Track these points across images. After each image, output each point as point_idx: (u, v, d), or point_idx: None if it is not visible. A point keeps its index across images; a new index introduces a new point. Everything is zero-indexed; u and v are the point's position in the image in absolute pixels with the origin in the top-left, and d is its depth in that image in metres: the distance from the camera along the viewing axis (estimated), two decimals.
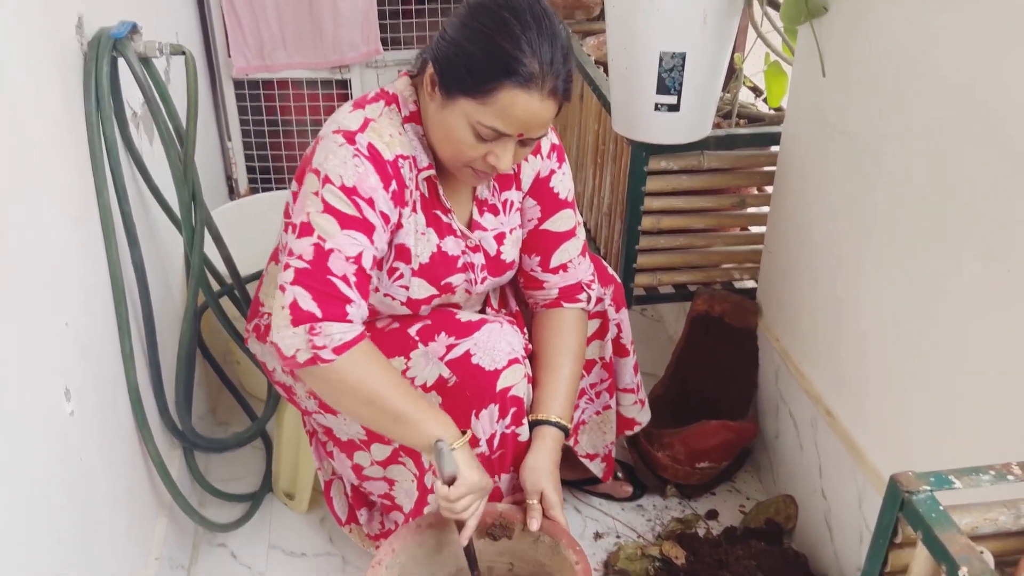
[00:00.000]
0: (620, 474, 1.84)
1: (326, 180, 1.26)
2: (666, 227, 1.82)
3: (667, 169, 1.76)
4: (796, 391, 1.67)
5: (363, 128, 1.29)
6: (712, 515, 1.79)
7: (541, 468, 1.41)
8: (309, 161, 1.33)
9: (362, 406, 1.28)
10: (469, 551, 1.34)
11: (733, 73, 1.84)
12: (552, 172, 1.47)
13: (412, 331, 1.41)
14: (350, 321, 1.24)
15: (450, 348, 1.36)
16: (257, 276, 1.80)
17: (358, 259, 1.25)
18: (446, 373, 1.36)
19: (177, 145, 1.53)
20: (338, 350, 1.23)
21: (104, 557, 1.28)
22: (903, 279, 1.33)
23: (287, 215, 1.43)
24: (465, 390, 1.36)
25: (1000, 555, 0.90)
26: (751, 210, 1.88)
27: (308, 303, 1.22)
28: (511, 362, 1.38)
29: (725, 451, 1.76)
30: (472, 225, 1.43)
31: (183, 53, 1.51)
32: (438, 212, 1.39)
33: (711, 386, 1.87)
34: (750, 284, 1.91)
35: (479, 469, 1.31)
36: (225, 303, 1.81)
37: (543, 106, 1.24)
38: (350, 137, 1.28)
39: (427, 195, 1.37)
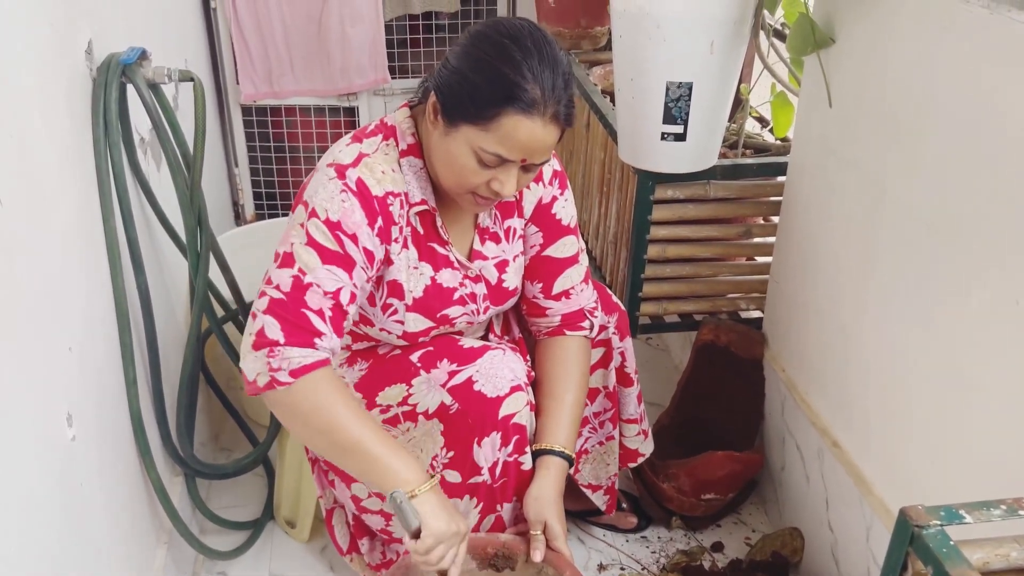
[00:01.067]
0: (625, 505, 1.83)
1: (312, 213, 1.26)
2: (672, 256, 1.82)
3: (673, 198, 1.76)
4: (802, 422, 1.66)
5: (356, 163, 1.30)
6: (717, 547, 1.77)
7: (545, 498, 1.39)
8: (301, 193, 1.33)
9: (318, 435, 1.26)
10: None
11: (739, 103, 1.85)
12: (554, 199, 1.47)
13: (414, 357, 1.40)
14: (317, 347, 1.23)
15: (452, 375, 1.36)
16: None
17: (336, 295, 1.25)
18: (448, 400, 1.35)
19: (184, 171, 1.53)
20: (295, 373, 1.21)
21: None
22: (909, 310, 1.33)
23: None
24: (467, 417, 1.35)
25: None
26: (757, 240, 1.87)
27: (275, 332, 1.21)
28: (513, 389, 1.37)
29: (731, 483, 1.75)
30: (472, 255, 1.43)
31: (192, 79, 1.52)
32: (434, 245, 1.38)
33: (717, 416, 1.85)
34: (756, 314, 1.90)
35: (448, 514, 1.25)
36: (229, 329, 1.80)
37: (545, 132, 1.24)
38: (341, 172, 1.28)
39: (420, 230, 1.37)
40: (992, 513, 0.91)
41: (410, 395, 1.38)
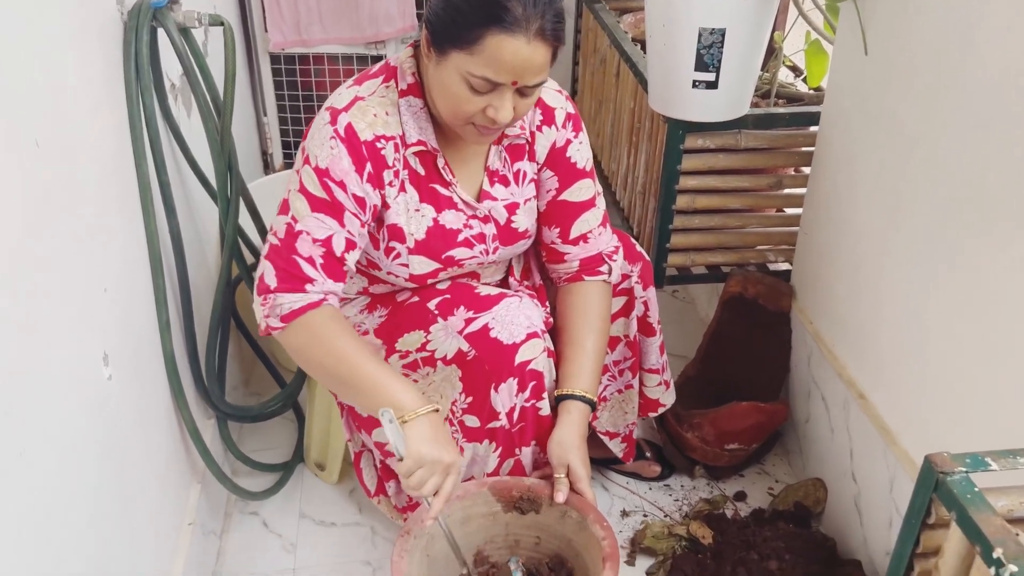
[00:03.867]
0: (648, 454, 1.84)
1: (306, 160, 1.30)
2: (701, 207, 1.81)
3: (703, 148, 1.74)
4: (829, 374, 1.66)
5: (349, 107, 1.30)
6: (740, 497, 1.79)
7: (567, 442, 1.41)
8: (307, 134, 1.35)
9: (319, 370, 1.33)
10: (449, 538, 1.33)
11: (773, 52, 1.82)
12: (568, 142, 1.46)
13: (431, 305, 1.41)
14: (307, 292, 1.28)
15: (469, 322, 1.37)
16: None
17: (327, 242, 1.28)
18: (465, 346, 1.37)
19: (214, 116, 1.54)
20: (285, 318, 1.28)
21: (139, 520, 1.30)
22: (939, 263, 1.31)
23: None
24: (484, 364, 1.37)
25: None
26: (788, 191, 1.85)
27: (271, 278, 1.29)
28: (529, 336, 1.37)
29: (755, 433, 1.75)
30: (481, 196, 1.43)
31: (221, 24, 1.52)
32: (436, 186, 1.38)
33: (742, 369, 1.85)
34: (784, 266, 1.89)
35: (435, 442, 1.25)
36: None
37: (531, 49, 1.21)
38: (334, 116, 1.30)
39: (421, 171, 1.37)
40: (1018, 461, 0.91)
41: (428, 341, 1.39)
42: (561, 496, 1.37)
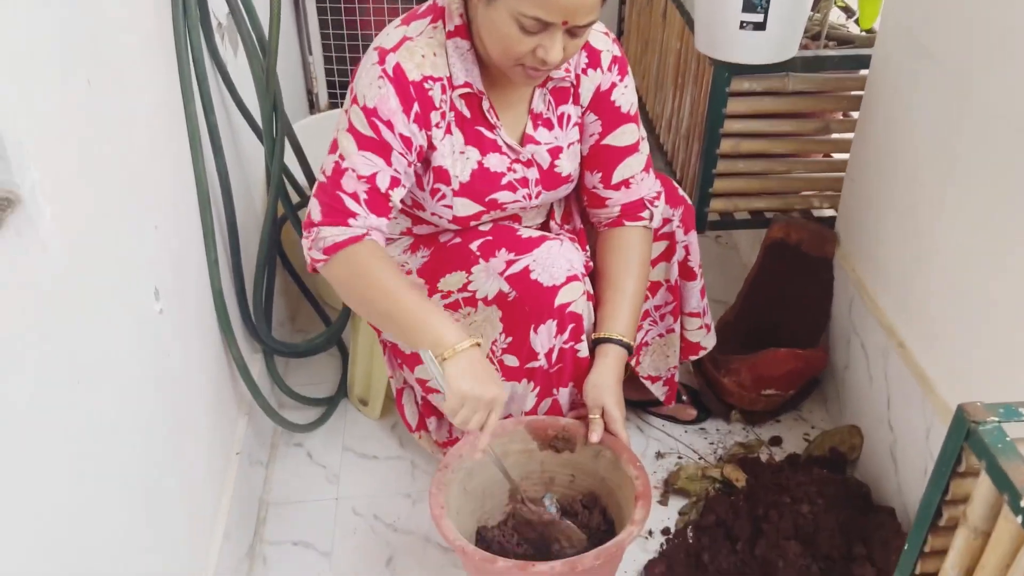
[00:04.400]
0: (685, 397, 1.86)
1: (354, 99, 1.31)
2: (745, 151, 1.79)
3: (750, 91, 1.71)
4: (869, 322, 1.65)
5: (397, 47, 1.30)
6: (776, 442, 1.80)
7: (603, 385, 1.43)
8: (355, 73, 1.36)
9: (361, 304, 1.36)
10: (499, 465, 1.37)
11: None
12: (613, 85, 1.44)
13: (473, 246, 1.43)
14: (349, 226, 1.30)
15: (510, 264, 1.39)
16: None
17: (371, 179, 1.30)
18: (506, 288, 1.38)
19: (260, 56, 1.55)
20: (328, 251, 1.31)
21: (189, 449, 1.36)
22: (992, 213, 1.29)
23: None
24: (524, 305, 1.38)
25: None
26: (835, 136, 1.82)
27: (316, 213, 1.32)
28: (569, 279, 1.39)
29: (792, 379, 1.76)
30: (524, 140, 1.43)
31: None
32: (481, 129, 1.38)
33: (783, 315, 1.85)
34: (829, 213, 1.87)
35: (475, 378, 1.26)
36: (304, 214, 1.85)
37: None
38: (383, 56, 1.30)
39: (467, 114, 1.37)
40: None
41: (469, 282, 1.41)
42: (596, 436, 1.40)
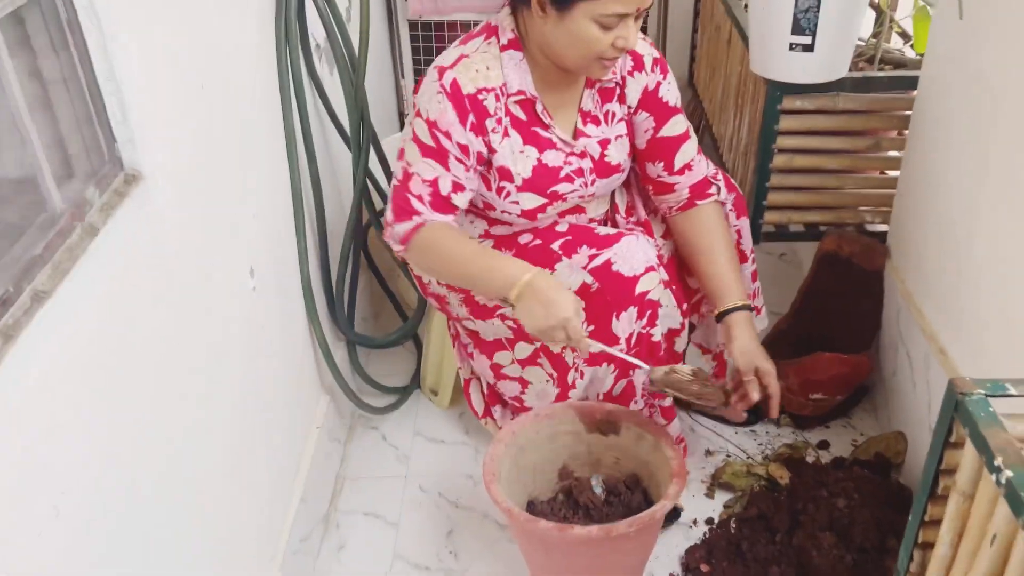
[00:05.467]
0: None
1: (417, 113, 1.48)
2: (798, 166, 1.88)
3: (801, 109, 1.81)
4: (914, 331, 1.71)
5: (454, 64, 1.47)
6: (823, 446, 1.87)
7: (750, 348, 1.56)
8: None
9: (443, 276, 1.58)
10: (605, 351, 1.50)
11: (881, 17, 1.86)
12: (659, 84, 1.59)
13: (555, 246, 1.57)
14: (411, 220, 1.48)
15: (592, 258, 1.53)
16: None
17: (434, 183, 1.47)
18: (589, 280, 1.52)
19: (351, 72, 1.75)
20: (402, 240, 1.50)
21: (276, 420, 1.54)
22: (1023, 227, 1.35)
23: None
24: (606, 295, 1.52)
25: None
26: (891, 154, 1.90)
27: (389, 213, 1.52)
28: (648, 269, 1.53)
29: (839, 384, 1.83)
30: (576, 134, 1.58)
31: None
32: (536, 129, 1.54)
33: (834, 324, 1.92)
34: (882, 227, 1.94)
35: (544, 308, 1.37)
36: None
37: None
38: (441, 73, 1.47)
39: (523, 117, 1.52)
40: None
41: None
42: (756, 395, 1.54)
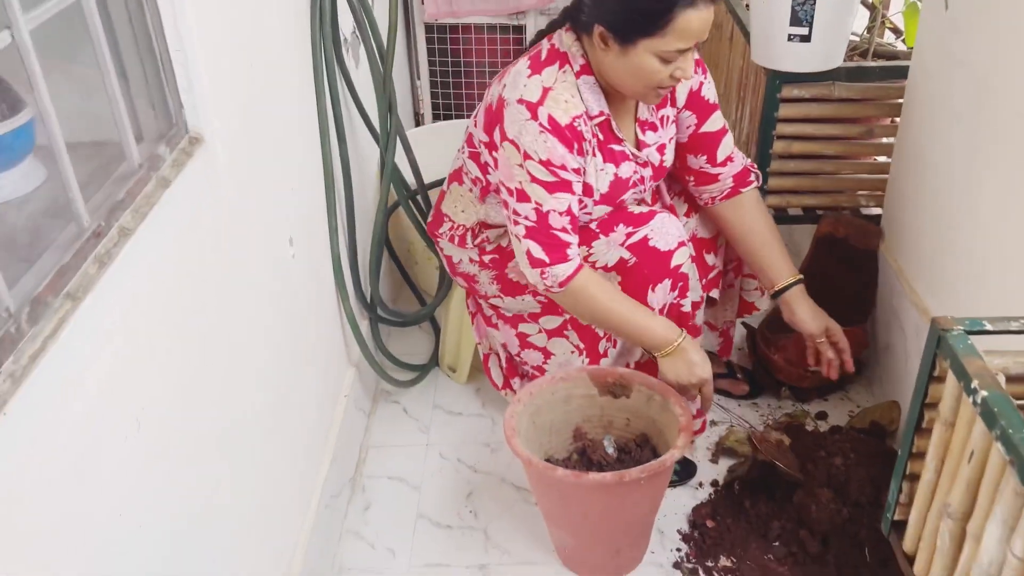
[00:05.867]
0: (739, 375, 2.06)
1: (526, 156, 1.53)
2: (796, 152, 2.00)
3: (799, 97, 1.93)
4: (905, 305, 1.82)
5: (542, 100, 1.52)
6: (821, 416, 1.98)
7: (815, 313, 1.77)
8: (497, 119, 1.58)
9: (590, 320, 1.67)
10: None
11: (874, 12, 1.98)
12: (701, 83, 1.71)
13: (592, 225, 1.68)
14: (570, 259, 1.57)
15: (629, 235, 1.64)
16: (436, 184, 2.15)
17: (568, 211, 1.57)
18: (627, 255, 1.63)
19: (379, 62, 1.87)
20: (562, 284, 1.58)
21: (309, 382, 1.65)
22: (1011, 198, 1.46)
23: (471, 144, 1.72)
24: (643, 268, 1.64)
25: None
26: (884, 140, 2.01)
27: (539, 253, 1.57)
28: (680, 244, 1.65)
29: None
30: (639, 145, 1.69)
31: None
32: (612, 145, 1.64)
33: (832, 302, 2.01)
34: (876, 211, 2.05)
35: (686, 366, 1.60)
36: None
37: (708, 12, 1.46)
38: (533, 111, 1.52)
39: (601, 136, 1.62)
40: (1010, 325, 1.09)
41: (590, 254, 1.66)
42: (831, 353, 1.75)
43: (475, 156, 1.71)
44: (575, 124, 1.54)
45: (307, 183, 1.67)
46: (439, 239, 1.88)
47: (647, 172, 1.70)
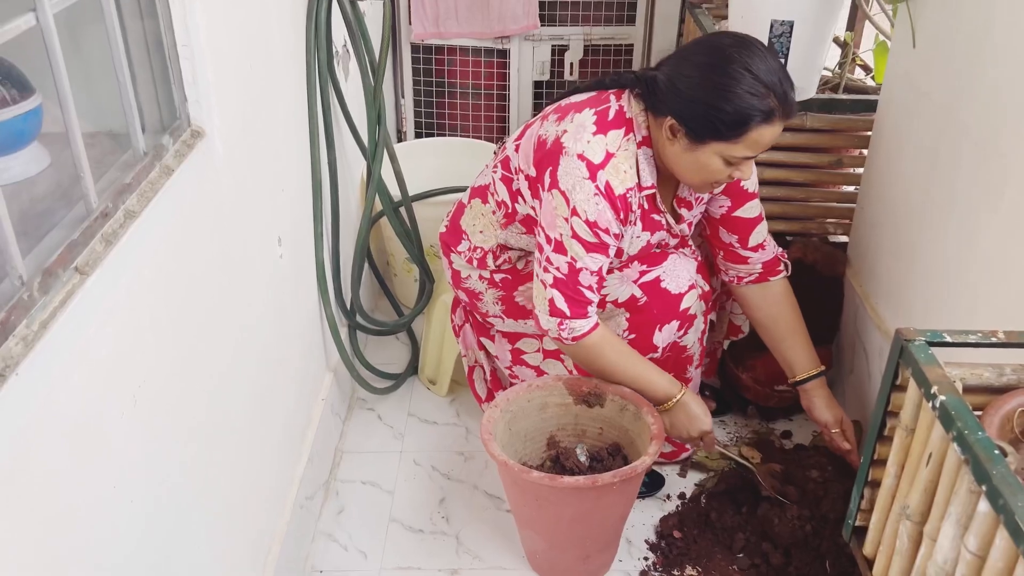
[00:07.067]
0: (707, 393, 2.11)
1: (574, 212, 1.55)
2: (769, 178, 2.07)
3: None
4: (869, 327, 1.90)
5: (603, 164, 1.54)
6: (787, 435, 2.03)
7: (832, 405, 1.81)
8: (551, 161, 1.58)
9: (596, 372, 1.70)
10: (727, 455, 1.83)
11: (846, 50, 2.08)
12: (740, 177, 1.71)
13: None
14: (589, 316, 1.61)
15: (643, 273, 1.69)
16: (420, 197, 2.20)
17: (599, 271, 1.61)
18: (638, 293, 1.68)
19: (371, 73, 1.92)
20: (576, 339, 1.62)
21: (289, 382, 1.68)
22: (971, 227, 1.54)
23: (505, 167, 1.73)
24: (653, 308, 1.69)
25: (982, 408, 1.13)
26: (853, 170, 2.10)
27: (562, 304, 1.60)
28: (690, 287, 1.70)
29: None
30: (678, 219, 1.74)
31: None
32: (653, 215, 1.69)
33: None
34: (843, 239, 2.13)
35: (689, 421, 1.67)
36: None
37: (780, 126, 1.51)
38: (593, 172, 1.54)
39: (646, 205, 1.67)
40: (968, 337, 1.16)
41: (603, 287, 1.69)
42: (846, 444, 1.77)
43: (507, 180, 1.73)
44: (627, 195, 1.57)
45: (296, 187, 1.70)
46: (452, 253, 1.88)
47: (674, 242, 1.75)
